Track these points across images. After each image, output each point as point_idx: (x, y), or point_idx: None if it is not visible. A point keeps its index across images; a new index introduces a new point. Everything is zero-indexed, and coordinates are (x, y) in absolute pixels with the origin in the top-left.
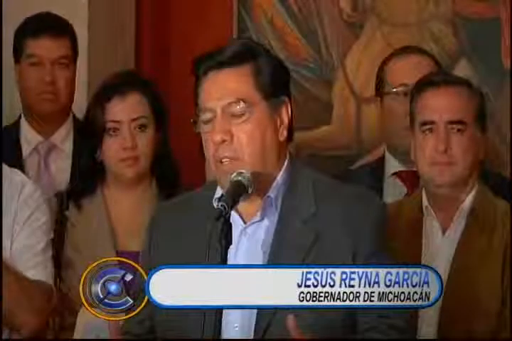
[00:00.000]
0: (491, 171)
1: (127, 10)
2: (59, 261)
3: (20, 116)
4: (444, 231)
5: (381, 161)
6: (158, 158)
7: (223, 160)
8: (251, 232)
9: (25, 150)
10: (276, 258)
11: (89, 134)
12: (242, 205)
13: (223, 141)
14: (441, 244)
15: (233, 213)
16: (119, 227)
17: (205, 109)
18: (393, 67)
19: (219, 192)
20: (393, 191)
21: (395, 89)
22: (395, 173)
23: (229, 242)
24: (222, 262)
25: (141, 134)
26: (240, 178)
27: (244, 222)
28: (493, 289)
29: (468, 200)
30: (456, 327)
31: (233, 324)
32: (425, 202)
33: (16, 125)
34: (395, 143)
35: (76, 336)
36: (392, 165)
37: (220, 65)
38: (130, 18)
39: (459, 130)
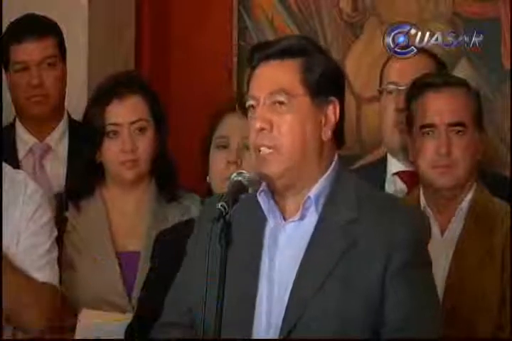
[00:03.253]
0: (491, 171)
1: (127, 10)
2: (59, 262)
3: (15, 118)
4: (442, 232)
5: (383, 161)
6: (157, 159)
7: (261, 148)
8: (289, 230)
9: (21, 151)
10: (310, 260)
11: (89, 137)
12: (284, 202)
13: (262, 129)
14: (440, 244)
15: (275, 208)
16: (118, 228)
17: (250, 97)
18: (392, 66)
19: (263, 185)
20: (395, 191)
21: (392, 86)
22: (396, 173)
23: (228, 242)
24: (222, 263)
25: (141, 137)
26: (240, 178)
27: (285, 219)
28: (492, 289)
29: (466, 200)
30: (455, 327)
31: (260, 320)
32: (423, 202)
33: (11, 127)
34: (390, 142)
35: (77, 337)
36: (394, 164)
37: (269, 57)
38: (130, 18)
39: (459, 132)
